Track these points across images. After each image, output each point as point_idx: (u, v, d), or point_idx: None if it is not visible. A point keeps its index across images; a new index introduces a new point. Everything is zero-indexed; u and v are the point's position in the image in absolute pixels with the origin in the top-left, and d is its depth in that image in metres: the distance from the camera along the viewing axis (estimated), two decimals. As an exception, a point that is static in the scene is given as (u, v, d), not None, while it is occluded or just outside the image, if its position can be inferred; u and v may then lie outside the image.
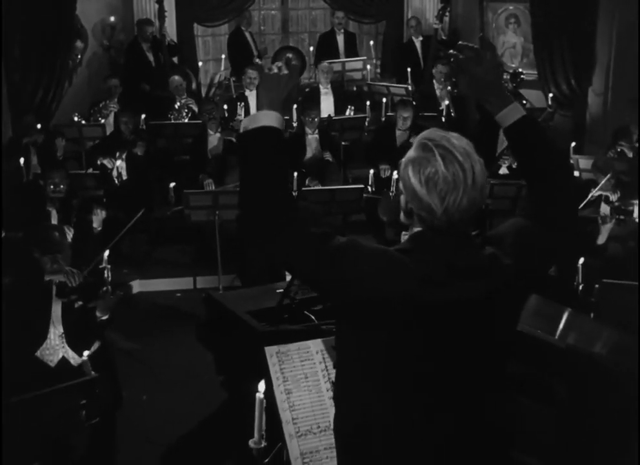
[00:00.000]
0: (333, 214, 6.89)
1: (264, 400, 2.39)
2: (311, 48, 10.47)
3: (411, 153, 2.01)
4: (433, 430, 2.01)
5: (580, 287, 4.83)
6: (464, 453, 2.04)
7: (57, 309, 4.31)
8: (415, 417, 2.00)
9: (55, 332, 4.30)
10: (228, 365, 4.41)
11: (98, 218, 5.51)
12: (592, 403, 3.34)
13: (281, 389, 2.57)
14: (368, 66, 9.88)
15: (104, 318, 4.25)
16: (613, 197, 5.97)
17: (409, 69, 9.34)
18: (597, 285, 4.62)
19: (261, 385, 2.42)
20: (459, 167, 1.94)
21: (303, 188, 6.90)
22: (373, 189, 7.11)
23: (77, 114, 8.54)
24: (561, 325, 4.11)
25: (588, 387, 3.45)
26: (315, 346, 2.69)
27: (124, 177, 7.35)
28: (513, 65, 9.70)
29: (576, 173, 7.29)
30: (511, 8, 9.77)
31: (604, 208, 6.03)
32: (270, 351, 2.65)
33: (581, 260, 4.91)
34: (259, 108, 2.07)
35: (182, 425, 4.88)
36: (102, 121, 8.40)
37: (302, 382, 2.61)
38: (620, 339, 4.01)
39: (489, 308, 2.02)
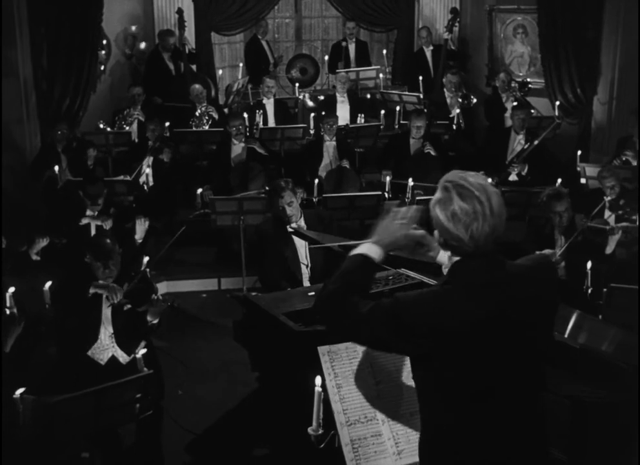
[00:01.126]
0: (351, 219, 7.23)
1: (322, 393, 2.75)
2: (326, 57, 10.78)
3: (436, 195, 2.40)
4: (495, 436, 2.39)
5: (589, 291, 5.17)
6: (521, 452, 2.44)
7: (107, 311, 4.66)
8: (479, 425, 2.38)
9: (106, 332, 4.65)
10: (264, 362, 4.76)
11: (141, 228, 5.77)
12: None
13: (332, 384, 2.92)
14: (381, 75, 10.21)
15: (155, 322, 4.59)
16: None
17: (420, 77, 9.67)
18: (605, 289, 4.94)
19: (318, 380, 2.78)
20: (477, 201, 2.32)
21: (324, 195, 7.22)
22: (390, 195, 7.42)
23: (102, 121, 8.87)
24: (570, 325, 4.43)
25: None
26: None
27: (151, 183, 7.69)
28: (521, 74, 10.01)
29: (582, 180, 7.62)
30: (519, 18, 10.09)
31: (609, 216, 6.36)
32: (322, 350, 3.01)
33: (589, 265, 5.25)
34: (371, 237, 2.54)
35: (218, 417, 5.24)
36: (127, 128, 8.75)
37: (350, 378, 2.97)
38: (626, 338, 4.34)
39: (523, 315, 2.38)
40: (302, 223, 5.60)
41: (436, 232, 2.42)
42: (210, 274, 7.61)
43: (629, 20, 8.51)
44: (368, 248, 2.49)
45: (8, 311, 4.70)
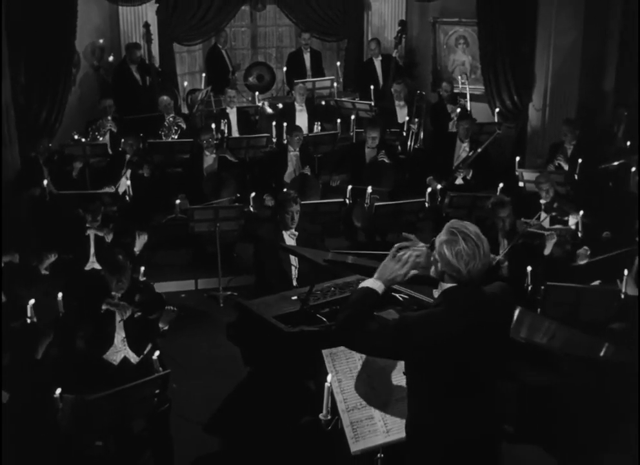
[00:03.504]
0: (315, 223, 7.98)
1: (331, 387, 3.53)
2: (284, 69, 11.46)
3: (443, 237, 3.11)
4: (465, 421, 3.17)
5: (529, 288, 6.01)
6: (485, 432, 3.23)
7: (119, 318, 5.33)
8: (454, 410, 3.16)
9: (119, 337, 5.32)
10: (257, 358, 5.50)
11: (140, 242, 6.37)
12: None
13: (334, 379, 3.69)
14: (335, 84, 10.96)
15: (165, 328, 5.28)
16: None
17: (372, 87, 10.45)
18: (542, 287, 5.72)
19: (329, 378, 3.56)
20: (474, 244, 3.07)
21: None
22: (350, 201, 8.18)
23: (75, 133, 9.37)
24: (513, 321, 5.20)
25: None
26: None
27: (131, 194, 8.27)
28: (463, 81, 10.84)
29: (520, 184, 8.50)
30: (460, 30, 10.99)
31: (544, 218, 7.23)
32: (325, 352, 3.77)
33: (529, 268, 6.10)
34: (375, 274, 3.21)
35: (214, 409, 5.82)
36: (101, 139, 9.29)
37: (348, 374, 3.73)
38: (560, 329, 5.15)
39: (497, 329, 3.18)
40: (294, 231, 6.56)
41: (438, 265, 3.12)
42: (187, 276, 8.18)
43: (559, 35, 9.47)
44: (372, 283, 3.20)
45: (29, 321, 5.36)
